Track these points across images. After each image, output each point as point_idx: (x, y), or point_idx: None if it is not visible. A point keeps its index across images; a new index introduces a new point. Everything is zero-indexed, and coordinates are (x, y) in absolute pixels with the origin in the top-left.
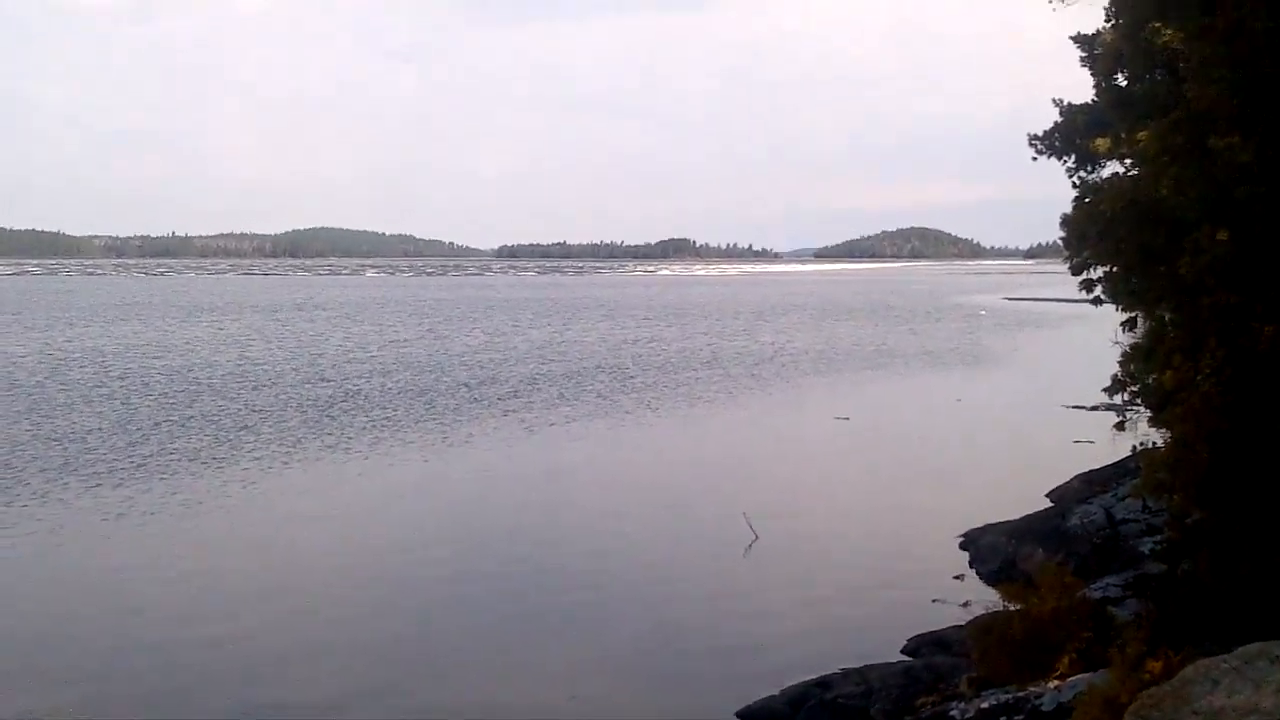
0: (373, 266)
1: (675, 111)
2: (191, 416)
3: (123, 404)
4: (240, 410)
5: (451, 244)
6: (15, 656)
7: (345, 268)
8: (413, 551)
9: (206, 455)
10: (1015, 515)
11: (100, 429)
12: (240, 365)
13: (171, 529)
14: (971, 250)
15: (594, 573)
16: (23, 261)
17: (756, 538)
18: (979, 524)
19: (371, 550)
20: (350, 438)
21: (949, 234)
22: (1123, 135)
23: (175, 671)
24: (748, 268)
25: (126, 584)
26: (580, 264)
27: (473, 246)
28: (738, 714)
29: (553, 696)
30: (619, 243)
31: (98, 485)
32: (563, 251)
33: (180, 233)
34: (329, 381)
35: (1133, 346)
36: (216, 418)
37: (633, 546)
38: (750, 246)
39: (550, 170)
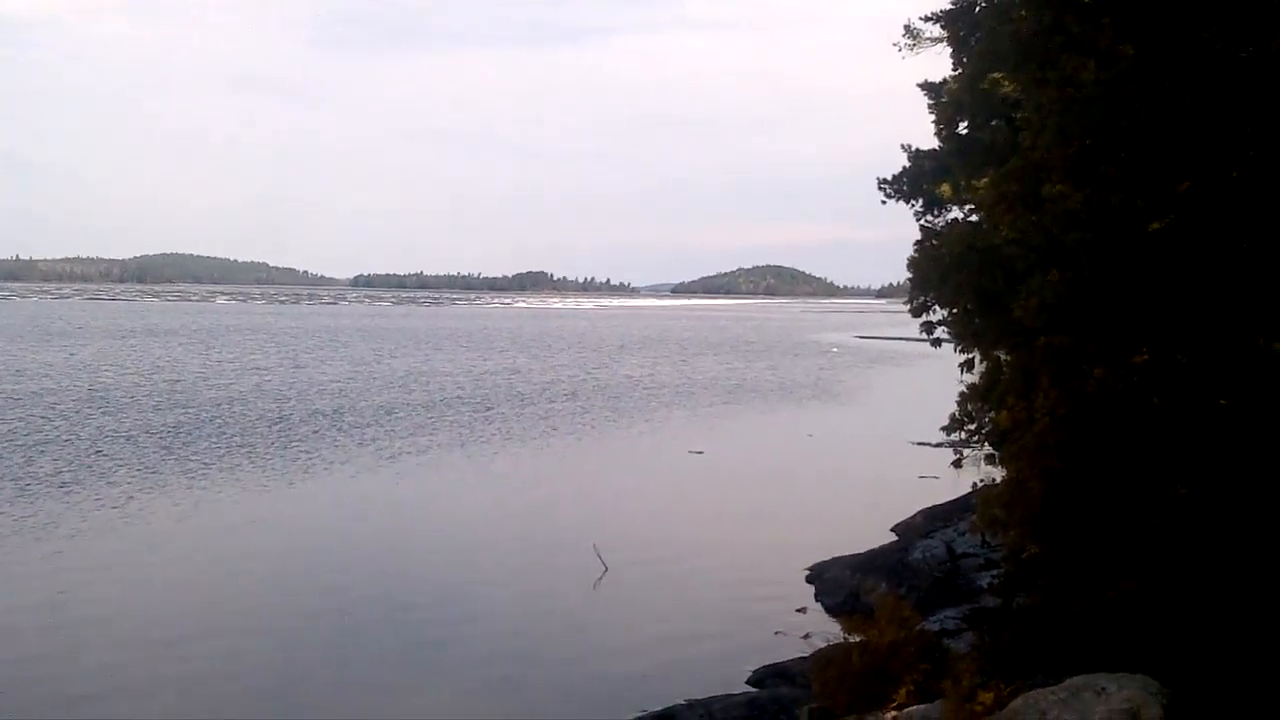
0: (224, 293)
1: (534, 146)
2: (43, 441)
3: None
4: (94, 435)
5: (306, 272)
6: None
7: (195, 294)
8: (260, 583)
9: (60, 480)
10: (861, 549)
11: None
12: (93, 390)
13: (18, 554)
14: (825, 289)
15: (440, 604)
16: None
17: (606, 570)
18: (825, 557)
19: (219, 582)
20: (206, 465)
21: (804, 272)
22: (963, 182)
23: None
24: (605, 301)
25: None
26: (437, 294)
27: (328, 275)
28: None
29: None
30: (475, 274)
31: None
32: (419, 282)
33: (24, 256)
34: (185, 408)
35: (970, 386)
36: (70, 442)
37: (482, 578)
38: (608, 281)
39: (407, 201)
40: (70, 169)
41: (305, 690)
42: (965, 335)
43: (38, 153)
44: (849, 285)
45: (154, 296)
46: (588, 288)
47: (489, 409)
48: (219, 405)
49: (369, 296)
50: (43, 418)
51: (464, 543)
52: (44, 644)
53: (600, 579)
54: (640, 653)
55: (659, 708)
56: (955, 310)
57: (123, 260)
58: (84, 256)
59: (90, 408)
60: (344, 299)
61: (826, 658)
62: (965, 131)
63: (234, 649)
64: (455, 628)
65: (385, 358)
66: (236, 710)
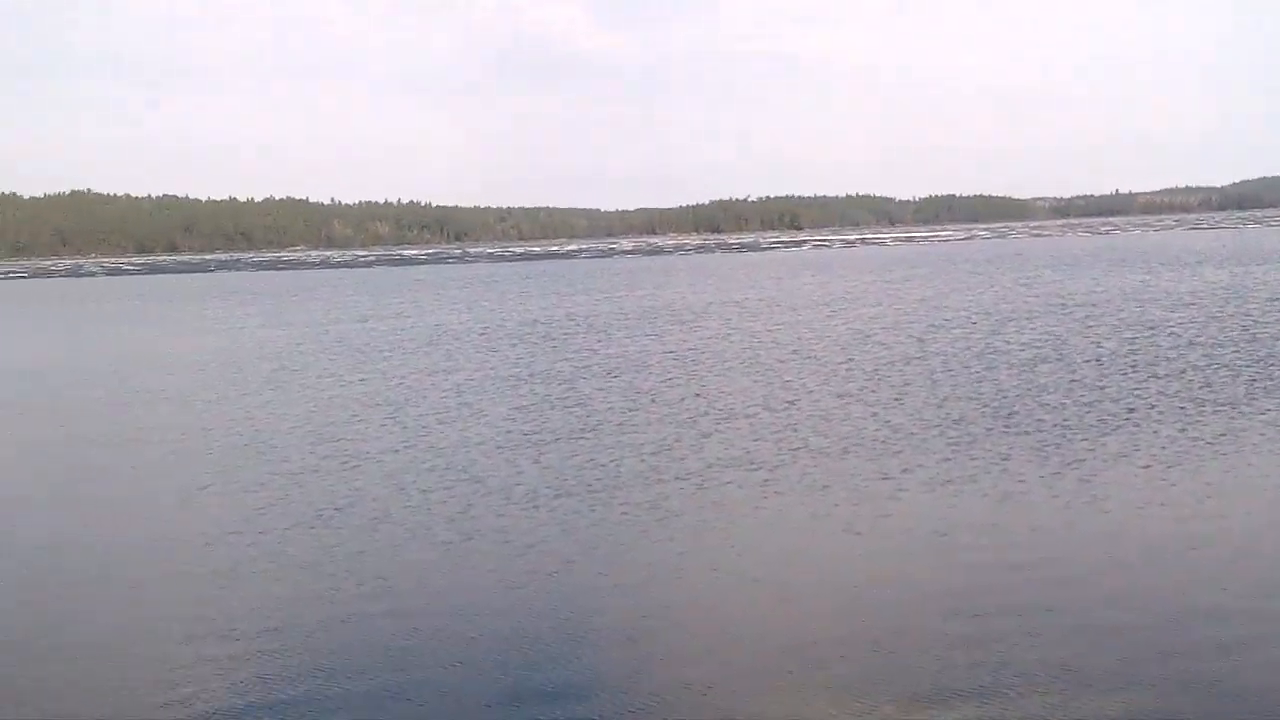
0: None
1: None
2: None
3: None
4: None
5: None
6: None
7: None
8: None
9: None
10: None
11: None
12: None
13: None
14: None
15: None
16: (971, 226)
17: None
18: None
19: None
20: None
21: None
22: None
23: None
24: None
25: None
26: None
27: None
28: None
29: None
30: None
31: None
32: None
33: (1123, 190)
34: None
35: None
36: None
37: None
38: None
39: None
40: (1158, 99)
41: None
42: None
43: (1120, 87)
44: None
45: (1255, 223)
46: None
47: None
48: None
49: None
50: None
51: None
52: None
53: None
54: None
55: None
56: None
57: (1221, 188)
58: (1181, 186)
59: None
60: None
61: None
62: None
63: None
64: None
65: None
66: None
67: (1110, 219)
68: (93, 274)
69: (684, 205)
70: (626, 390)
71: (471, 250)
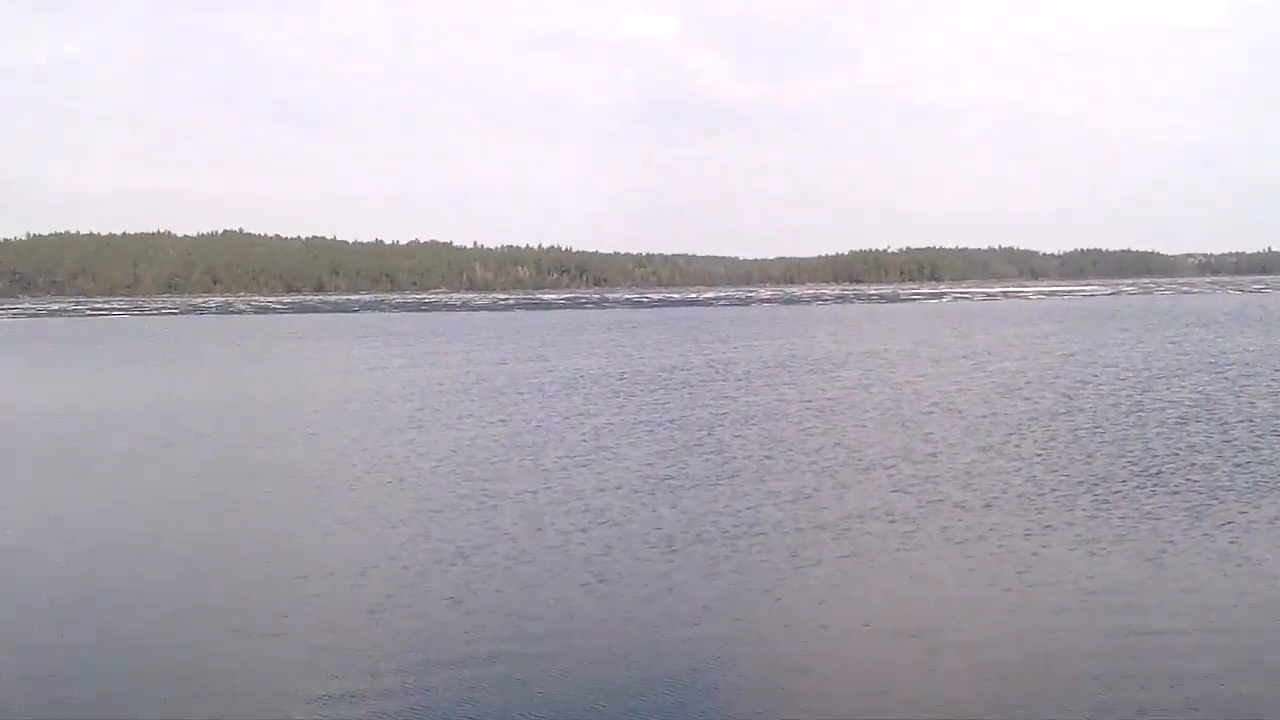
0: None
1: None
2: None
3: None
4: None
5: None
6: None
7: None
8: None
9: None
10: None
11: None
12: None
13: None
14: None
15: None
16: (1117, 281)
17: None
18: None
19: None
20: None
21: None
22: None
23: None
24: None
25: None
26: None
27: None
28: None
29: None
30: None
31: None
32: None
33: (1276, 248)
34: None
35: None
36: None
37: None
38: None
39: None
40: None
41: None
42: None
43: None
44: None
45: None
46: None
47: None
48: None
49: None
50: None
51: None
52: None
53: None
54: None
55: None
56: None
57: None
58: None
59: None
60: None
61: None
62: None
63: None
64: None
65: None
66: None
67: (1261, 277)
68: (241, 311)
69: (823, 255)
70: (764, 438)
71: (610, 295)
